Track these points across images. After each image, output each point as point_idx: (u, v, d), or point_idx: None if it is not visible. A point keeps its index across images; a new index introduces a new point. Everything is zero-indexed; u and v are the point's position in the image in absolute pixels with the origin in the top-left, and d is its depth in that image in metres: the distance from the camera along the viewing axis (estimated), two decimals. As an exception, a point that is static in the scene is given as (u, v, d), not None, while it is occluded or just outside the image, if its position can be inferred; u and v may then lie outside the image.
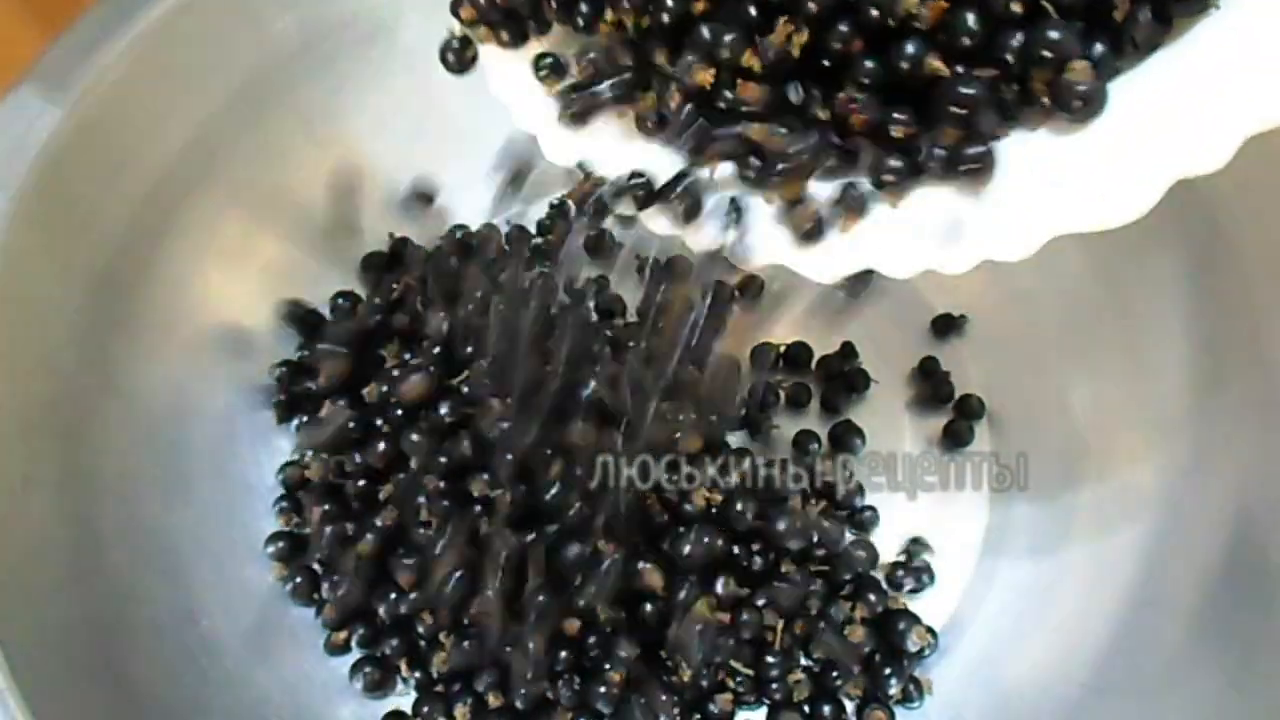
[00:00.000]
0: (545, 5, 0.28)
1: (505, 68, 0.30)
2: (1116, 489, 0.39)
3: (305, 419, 0.41)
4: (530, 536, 0.35)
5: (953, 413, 0.43)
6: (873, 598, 0.37)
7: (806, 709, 0.36)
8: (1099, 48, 0.24)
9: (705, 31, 0.25)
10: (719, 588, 0.34)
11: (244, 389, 0.42)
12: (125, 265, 0.39)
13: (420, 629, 0.36)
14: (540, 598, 0.34)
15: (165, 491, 0.39)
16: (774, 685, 0.36)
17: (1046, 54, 0.23)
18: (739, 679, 0.36)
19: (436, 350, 0.38)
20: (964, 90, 0.24)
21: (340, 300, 0.44)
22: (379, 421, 0.38)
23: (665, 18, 0.25)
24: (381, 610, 0.36)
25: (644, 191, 0.27)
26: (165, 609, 0.36)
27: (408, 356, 0.38)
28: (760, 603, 0.36)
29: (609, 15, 0.26)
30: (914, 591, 0.39)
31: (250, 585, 0.39)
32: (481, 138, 0.48)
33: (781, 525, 0.36)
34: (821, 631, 0.36)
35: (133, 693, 0.33)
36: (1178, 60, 0.24)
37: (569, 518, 0.34)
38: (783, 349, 0.44)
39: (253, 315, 0.43)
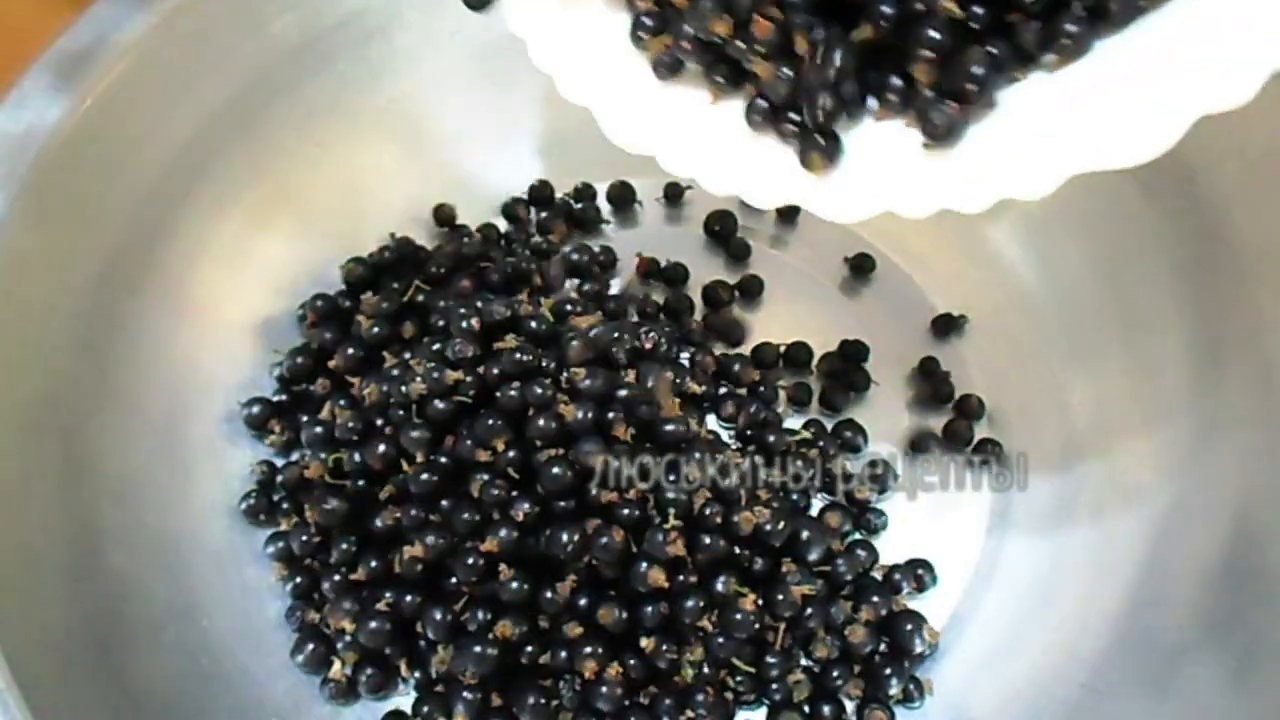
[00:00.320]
0: None
1: (527, 6, 0.31)
2: (1116, 488, 0.39)
3: (305, 419, 0.41)
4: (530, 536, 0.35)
5: (953, 413, 0.43)
6: (876, 599, 0.37)
7: (806, 709, 0.36)
8: None
9: None
10: (719, 586, 0.34)
11: (244, 388, 0.42)
12: (125, 265, 0.39)
13: (425, 629, 0.36)
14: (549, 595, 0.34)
15: (165, 491, 0.39)
16: (774, 685, 0.36)
17: None
18: (739, 679, 0.36)
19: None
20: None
21: (345, 301, 0.44)
22: (379, 421, 0.38)
23: None
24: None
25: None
26: (165, 609, 0.36)
27: (408, 356, 0.38)
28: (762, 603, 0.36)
29: None
30: (916, 592, 0.39)
31: (250, 585, 0.39)
32: (481, 137, 0.49)
33: (805, 536, 0.36)
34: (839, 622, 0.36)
35: (133, 693, 0.33)
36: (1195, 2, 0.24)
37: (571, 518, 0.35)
38: (783, 349, 0.44)
39: (253, 315, 0.43)
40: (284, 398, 0.42)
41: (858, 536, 0.40)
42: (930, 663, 0.38)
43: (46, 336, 0.36)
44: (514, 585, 0.34)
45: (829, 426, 0.43)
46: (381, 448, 0.37)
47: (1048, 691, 0.36)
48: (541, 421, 0.35)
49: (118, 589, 0.35)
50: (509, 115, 0.48)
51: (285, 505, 0.40)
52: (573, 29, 0.32)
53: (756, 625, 0.34)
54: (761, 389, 0.43)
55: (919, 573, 0.39)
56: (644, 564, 0.34)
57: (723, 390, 0.43)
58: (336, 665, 0.36)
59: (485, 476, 0.35)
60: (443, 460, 0.36)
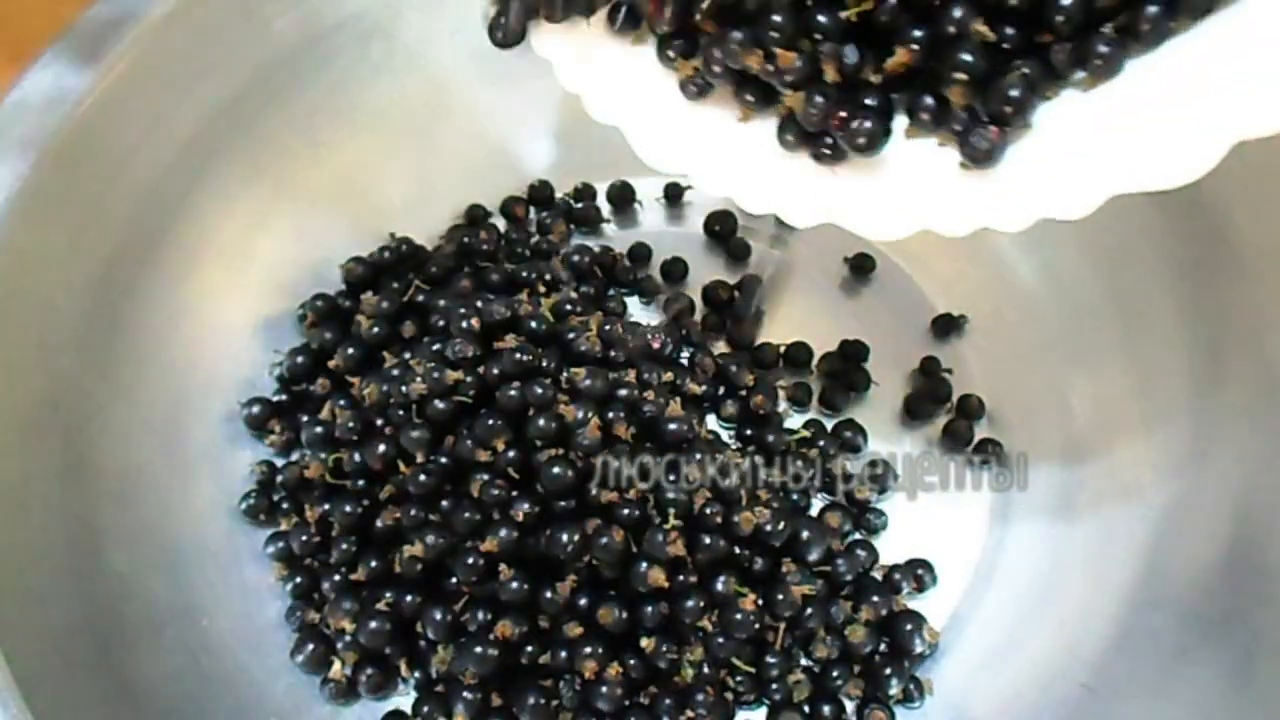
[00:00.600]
0: None
1: (557, 36, 0.32)
2: (1116, 488, 0.39)
3: (305, 419, 0.41)
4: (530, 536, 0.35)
5: (953, 413, 0.43)
6: (876, 599, 0.37)
7: (806, 709, 0.36)
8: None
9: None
10: (719, 586, 0.34)
11: (244, 388, 0.42)
12: (126, 265, 0.39)
13: (425, 629, 0.36)
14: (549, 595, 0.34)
15: (165, 491, 0.39)
16: (774, 685, 0.36)
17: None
18: (739, 679, 0.36)
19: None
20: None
21: (345, 301, 0.44)
22: (379, 421, 0.38)
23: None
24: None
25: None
26: (165, 609, 0.36)
27: (408, 356, 0.38)
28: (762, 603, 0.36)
29: None
30: (916, 592, 0.39)
31: (250, 585, 0.39)
32: (481, 136, 0.49)
33: (805, 536, 0.36)
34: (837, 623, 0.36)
35: (133, 693, 0.33)
36: (1235, 20, 0.24)
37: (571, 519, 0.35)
38: (783, 349, 0.44)
39: (253, 315, 0.43)
40: (284, 398, 0.42)
41: (858, 536, 0.40)
42: (930, 663, 0.38)
43: (46, 336, 0.36)
44: (514, 585, 0.34)
45: (829, 426, 0.43)
46: (381, 448, 0.37)
47: (1048, 691, 0.36)
48: (541, 421, 0.35)
49: (118, 589, 0.35)
50: (509, 115, 0.48)
51: (285, 505, 0.40)
52: (600, 50, 0.32)
53: (756, 625, 0.34)
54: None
55: (919, 573, 0.39)
56: (644, 564, 0.34)
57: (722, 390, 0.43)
58: (336, 665, 0.36)
59: (485, 476, 0.35)
60: (443, 460, 0.36)
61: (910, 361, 0.44)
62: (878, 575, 0.39)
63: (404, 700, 0.37)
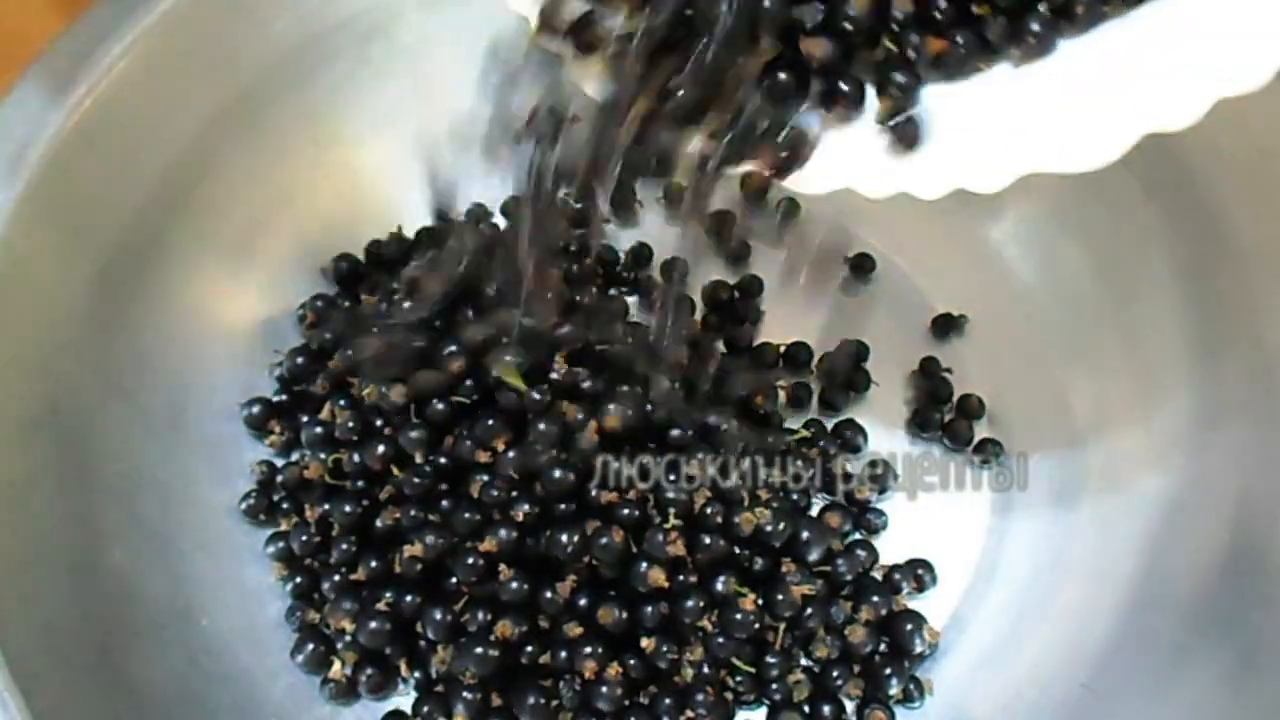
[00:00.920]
0: None
1: None
2: (1117, 488, 0.40)
3: (305, 419, 0.41)
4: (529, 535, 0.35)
5: (953, 413, 0.43)
6: (876, 599, 0.37)
7: (806, 709, 0.36)
8: None
9: None
10: (719, 586, 0.34)
11: (244, 388, 0.42)
12: (126, 265, 0.39)
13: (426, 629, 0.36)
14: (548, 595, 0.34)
15: (165, 491, 0.39)
16: (774, 685, 0.36)
17: None
18: (739, 679, 0.36)
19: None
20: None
21: (344, 301, 0.44)
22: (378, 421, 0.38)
23: None
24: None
25: None
26: (165, 609, 0.36)
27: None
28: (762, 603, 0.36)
29: None
30: (916, 592, 0.39)
31: (250, 585, 0.39)
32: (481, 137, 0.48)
33: (805, 536, 0.36)
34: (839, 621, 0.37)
35: (133, 693, 0.33)
36: (1166, 10, 0.24)
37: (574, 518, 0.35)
38: (783, 349, 0.44)
39: (253, 315, 0.43)
40: (284, 398, 0.42)
41: (858, 536, 0.40)
42: (930, 663, 0.38)
43: (46, 336, 0.36)
44: (514, 586, 0.34)
45: (829, 426, 0.43)
46: (381, 448, 0.37)
47: (1048, 691, 0.36)
48: (542, 425, 0.35)
49: (118, 589, 0.35)
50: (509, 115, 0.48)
51: (285, 505, 0.40)
52: None
53: (756, 625, 0.34)
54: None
55: (919, 573, 0.39)
56: (644, 564, 0.34)
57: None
58: (336, 665, 0.36)
59: (484, 477, 0.35)
60: (441, 461, 0.36)
61: (910, 361, 0.44)
62: (878, 575, 0.39)
63: (404, 700, 0.37)
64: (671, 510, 0.34)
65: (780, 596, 0.35)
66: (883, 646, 0.37)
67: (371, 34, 0.45)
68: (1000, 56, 0.27)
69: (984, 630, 0.38)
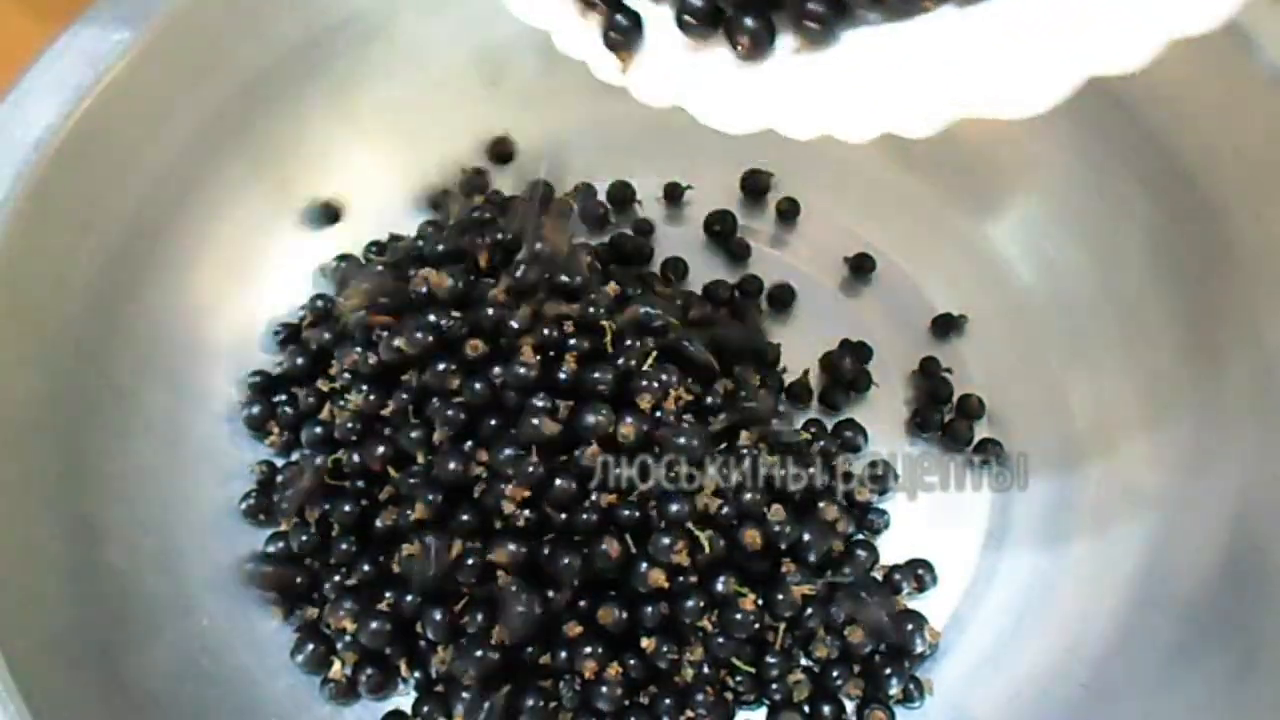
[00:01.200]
0: None
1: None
2: (1116, 488, 0.40)
3: (305, 419, 0.41)
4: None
5: (953, 413, 0.43)
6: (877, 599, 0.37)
7: (806, 709, 0.36)
8: None
9: None
10: (719, 586, 0.34)
11: (243, 388, 0.42)
12: (125, 265, 0.39)
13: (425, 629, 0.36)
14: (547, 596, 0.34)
15: (165, 491, 0.39)
16: (774, 685, 0.36)
17: None
18: (739, 679, 0.36)
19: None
20: None
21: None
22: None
23: None
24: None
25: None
26: (165, 609, 0.36)
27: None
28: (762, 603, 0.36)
29: None
30: (917, 592, 0.39)
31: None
32: (481, 137, 0.48)
33: (806, 536, 0.36)
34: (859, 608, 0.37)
35: (133, 693, 0.33)
36: None
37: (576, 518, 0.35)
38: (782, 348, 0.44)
39: (252, 314, 0.43)
40: (284, 398, 0.42)
41: (859, 537, 0.40)
42: (930, 663, 0.38)
43: (46, 336, 0.36)
44: (514, 589, 0.34)
45: (829, 426, 0.43)
46: (381, 448, 0.37)
47: (1048, 691, 0.36)
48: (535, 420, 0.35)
49: (118, 589, 0.35)
50: (508, 115, 0.48)
51: (285, 505, 0.40)
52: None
53: (756, 625, 0.34)
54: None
55: (919, 573, 0.39)
56: (644, 564, 0.34)
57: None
58: (336, 665, 0.36)
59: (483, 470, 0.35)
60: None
61: (910, 361, 0.44)
62: (878, 575, 0.39)
63: (404, 700, 0.37)
64: (677, 511, 0.34)
65: (780, 596, 0.35)
66: (883, 646, 0.37)
67: (371, 34, 0.45)
68: None
69: (984, 630, 0.38)
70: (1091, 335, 0.42)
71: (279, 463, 0.41)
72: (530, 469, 0.34)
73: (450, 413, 0.36)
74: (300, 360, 0.42)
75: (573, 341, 0.36)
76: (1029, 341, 0.44)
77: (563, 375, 0.36)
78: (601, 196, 0.49)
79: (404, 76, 0.46)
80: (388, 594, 0.36)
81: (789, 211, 0.48)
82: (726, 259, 0.48)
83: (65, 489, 0.35)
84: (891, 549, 0.40)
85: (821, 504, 0.38)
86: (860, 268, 0.47)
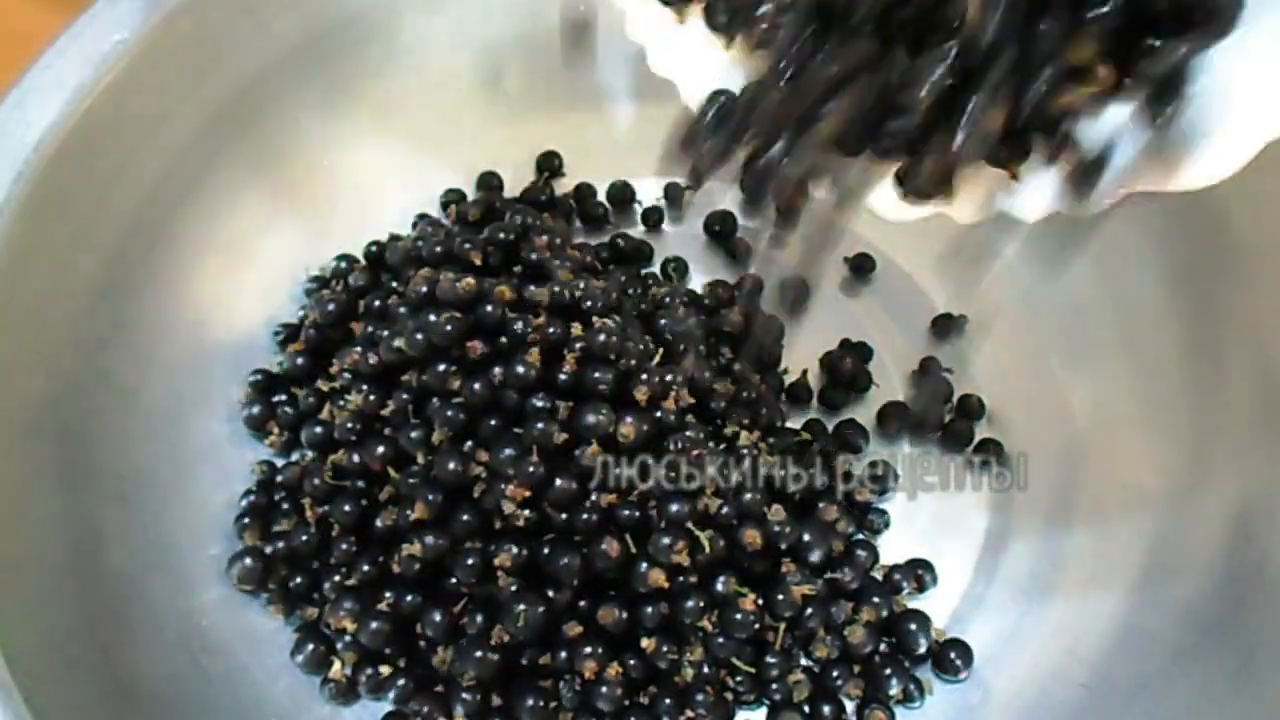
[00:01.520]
0: None
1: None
2: (1116, 489, 0.40)
3: (305, 419, 0.41)
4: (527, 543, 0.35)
5: (953, 413, 0.43)
6: (877, 599, 0.37)
7: (806, 709, 0.36)
8: None
9: None
10: (719, 586, 0.34)
11: (243, 388, 0.42)
12: (125, 265, 0.39)
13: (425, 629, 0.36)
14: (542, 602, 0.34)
15: (165, 491, 0.39)
16: (774, 685, 0.36)
17: None
18: (739, 679, 0.36)
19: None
20: None
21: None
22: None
23: None
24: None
25: None
26: (165, 609, 0.36)
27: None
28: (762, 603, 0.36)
29: None
30: (917, 592, 0.39)
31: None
32: (481, 137, 0.48)
33: (806, 536, 0.36)
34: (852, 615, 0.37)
35: (133, 693, 0.33)
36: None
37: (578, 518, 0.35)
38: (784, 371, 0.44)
39: (252, 314, 0.43)
40: (284, 397, 0.42)
41: (859, 537, 0.40)
42: (930, 663, 0.38)
43: (46, 336, 0.36)
44: (514, 590, 0.34)
45: (829, 426, 0.43)
46: (381, 448, 0.37)
47: (1048, 691, 0.36)
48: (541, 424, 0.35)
49: (118, 589, 0.35)
50: (508, 115, 0.48)
51: (285, 505, 0.40)
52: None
53: (756, 625, 0.34)
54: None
55: (919, 573, 0.39)
56: (644, 564, 0.34)
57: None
58: (336, 665, 0.36)
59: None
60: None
61: (910, 361, 0.44)
62: (878, 575, 0.39)
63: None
64: (677, 509, 0.34)
65: (780, 597, 0.35)
66: (882, 646, 0.37)
67: (371, 34, 0.45)
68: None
69: (984, 630, 0.38)
70: (1091, 335, 0.42)
71: (279, 463, 0.41)
72: (530, 469, 0.34)
73: (450, 413, 0.36)
74: (300, 360, 0.42)
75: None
76: (1029, 341, 0.44)
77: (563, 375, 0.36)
78: (601, 197, 0.49)
79: (404, 76, 0.46)
80: (388, 594, 0.36)
81: (789, 211, 0.48)
82: (726, 259, 0.48)
83: (65, 489, 0.35)
84: (891, 549, 0.40)
85: (821, 504, 0.38)
86: (860, 268, 0.47)
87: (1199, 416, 0.38)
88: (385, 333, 0.38)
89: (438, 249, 0.41)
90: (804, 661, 0.37)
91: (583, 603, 0.35)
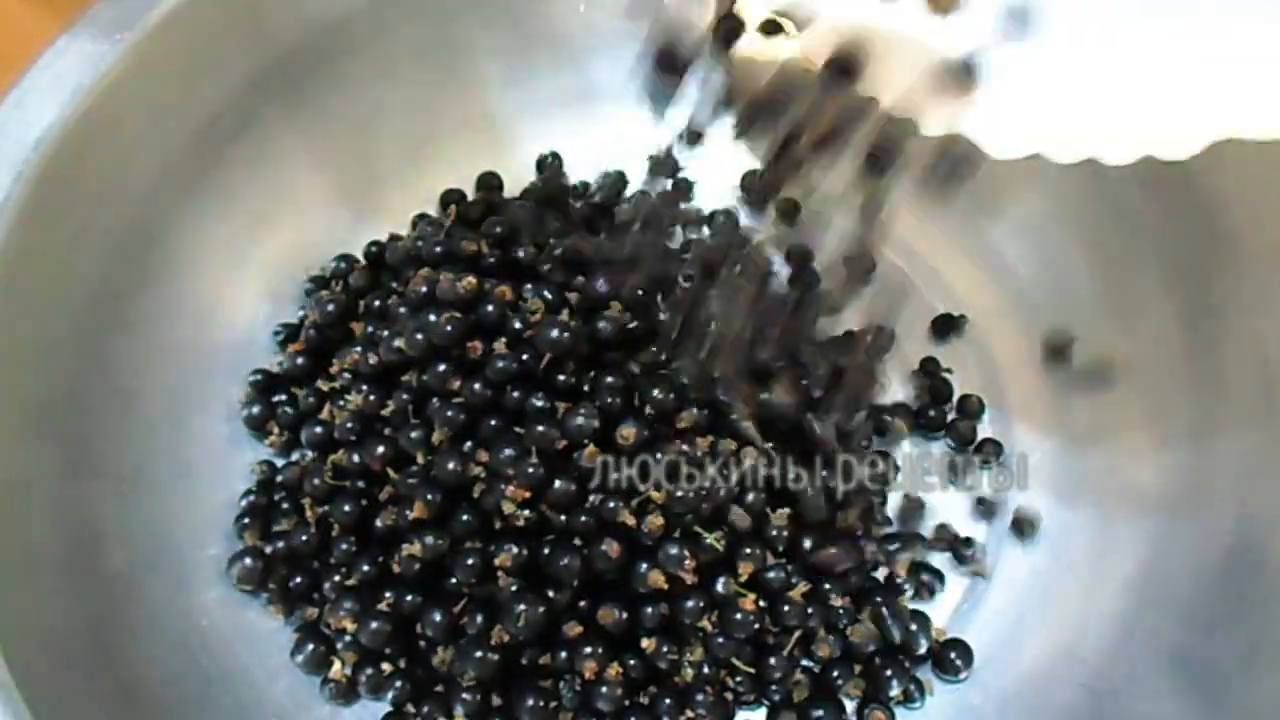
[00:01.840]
0: None
1: None
2: (1116, 489, 0.40)
3: (305, 419, 0.41)
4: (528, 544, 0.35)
5: (953, 413, 0.43)
6: (878, 599, 0.37)
7: (807, 709, 0.36)
8: None
9: None
10: (719, 586, 0.34)
11: (243, 388, 0.42)
12: (125, 265, 0.39)
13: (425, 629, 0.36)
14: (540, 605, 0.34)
15: (165, 491, 0.39)
16: (774, 685, 0.36)
17: None
18: (739, 679, 0.36)
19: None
20: None
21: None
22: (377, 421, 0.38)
23: None
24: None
25: None
26: (165, 609, 0.36)
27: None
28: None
29: None
30: (926, 594, 0.39)
31: (250, 585, 0.39)
32: (480, 137, 0.49)
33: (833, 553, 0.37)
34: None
35: (133, 693, 0.33)
36: None
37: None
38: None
39: (252, 314, 0.43)
40: (284, 397, 0.42)
41: (859, 536, 0.40)
42: (930, 663, 0.38)
43: (46, 336, 0.36)
44: (514, 590, 0.34)
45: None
46: (381, 448, 0.37)
47: (1048, 691, 0.36)
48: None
49: (118, 589, 0.35)
50: (508, 115, 0.48)
51: (285, 505, 0.40)
52: None
53: (756, 625, 0.34)
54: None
55: (924, 578, 0.39)
56: (644, 565, 0.34)
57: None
58: (336, 665, 0.36)
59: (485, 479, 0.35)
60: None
61: (910, 361, 0.44)
62: (879, 576, 0.39)
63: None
64: (686, 514, 0.34)
65: (786, 608, 0.35)
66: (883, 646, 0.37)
67: (371, 34, 0.45)
68: None
69: (984, 630, 0.38)
70: (1091, 335, 0.42)
71: (279, 463, 0.41)
72: (530, 469, 0.34)
73: (450, 413, 0.36)
74: (300, 360, 0.42)
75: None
76: (1029, 341, 0.44)
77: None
78: (600, 196, 0.49)
79: (404, 76, 0.46)
80: (388, 594, 0.36)
81: (789, 211, 0.48)
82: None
83: (65, 489, 0.35)
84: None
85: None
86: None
87: (1199, 416, 0.38)
88: (385, 333, 0.38)
89: (437, 249, 0.41)
90: (804, 662, 0.37)
91: (583, 603, 0.35)
